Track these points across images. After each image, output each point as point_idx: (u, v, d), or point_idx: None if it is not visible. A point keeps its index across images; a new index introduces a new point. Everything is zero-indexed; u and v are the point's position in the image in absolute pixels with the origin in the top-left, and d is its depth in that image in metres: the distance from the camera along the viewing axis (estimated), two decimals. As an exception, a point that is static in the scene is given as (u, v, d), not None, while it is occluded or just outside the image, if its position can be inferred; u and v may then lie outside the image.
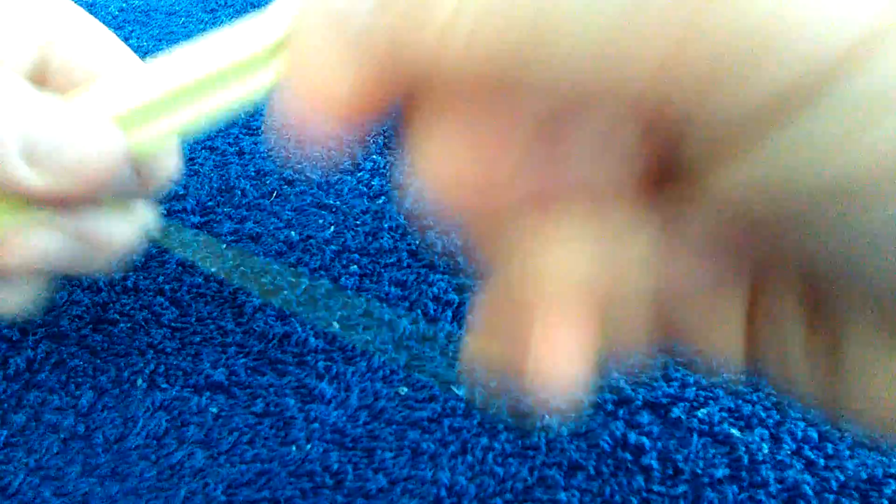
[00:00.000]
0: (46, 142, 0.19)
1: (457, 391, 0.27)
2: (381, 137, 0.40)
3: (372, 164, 0.38)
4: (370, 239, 0.33)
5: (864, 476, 0.25)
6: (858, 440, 0.25)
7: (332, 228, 0.34)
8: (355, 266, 0.32)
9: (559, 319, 0.14)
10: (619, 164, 0.14)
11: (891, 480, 0.24)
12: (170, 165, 0.24)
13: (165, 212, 0.34)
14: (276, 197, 0.35)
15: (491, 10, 0.12)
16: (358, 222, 0.34)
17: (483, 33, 0.12)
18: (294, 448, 0.25)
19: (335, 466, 0.25)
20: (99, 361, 0.28)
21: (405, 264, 0.32)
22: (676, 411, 0.26)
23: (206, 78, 0.18)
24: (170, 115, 0.19)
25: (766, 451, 0.25)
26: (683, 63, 0.11)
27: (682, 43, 0.11)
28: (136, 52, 0.24)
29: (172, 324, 0.29)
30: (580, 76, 0.12)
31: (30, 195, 0.20)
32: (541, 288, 0.15)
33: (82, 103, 0.20)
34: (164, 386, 0.27)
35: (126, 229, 0.23)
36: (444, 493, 0.24)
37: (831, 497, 0.24)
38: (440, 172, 0.14)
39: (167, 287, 0.31)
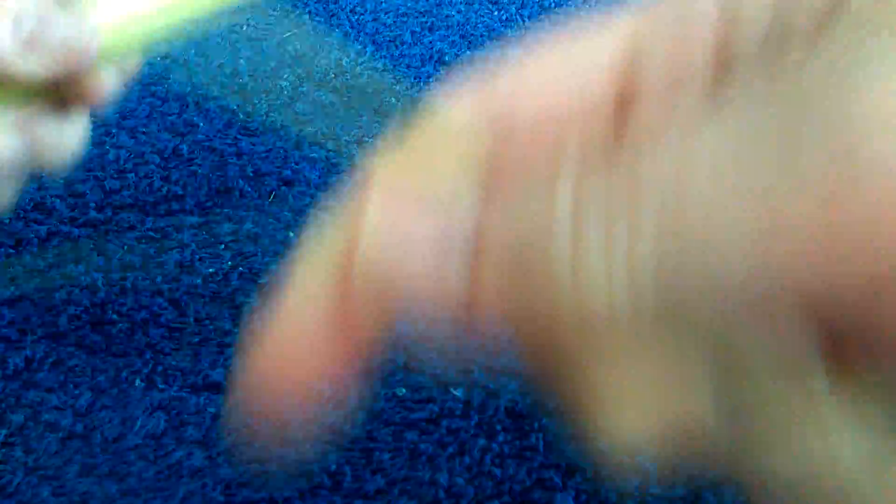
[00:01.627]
0: (36, 27, 0.22)
1: (455, 392, 0.27)
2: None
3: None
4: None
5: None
6: None
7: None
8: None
9: None
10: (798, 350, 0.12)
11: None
12: (113, 80, 0.26)
13: (164, 212, 0.34)
14: (274, 198, 0.35)
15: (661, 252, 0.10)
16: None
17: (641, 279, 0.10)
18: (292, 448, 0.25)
19: (333, 467, 0.25)
20: (97, 361, 0.28)
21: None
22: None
23: None
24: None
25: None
26: (836, 269, 0.09)
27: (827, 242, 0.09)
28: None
29: (171, 324, 0.29)
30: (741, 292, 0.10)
31: (28, 80, 0.22)
32: None
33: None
34: (163, 386, 0.27)
35: (72, 134, 0.25)
36: (441, 494, 0.24)
37: (827, 499, 0.24)
38: (638, 422, 0.12)
39: (165, 287, 0.31)
